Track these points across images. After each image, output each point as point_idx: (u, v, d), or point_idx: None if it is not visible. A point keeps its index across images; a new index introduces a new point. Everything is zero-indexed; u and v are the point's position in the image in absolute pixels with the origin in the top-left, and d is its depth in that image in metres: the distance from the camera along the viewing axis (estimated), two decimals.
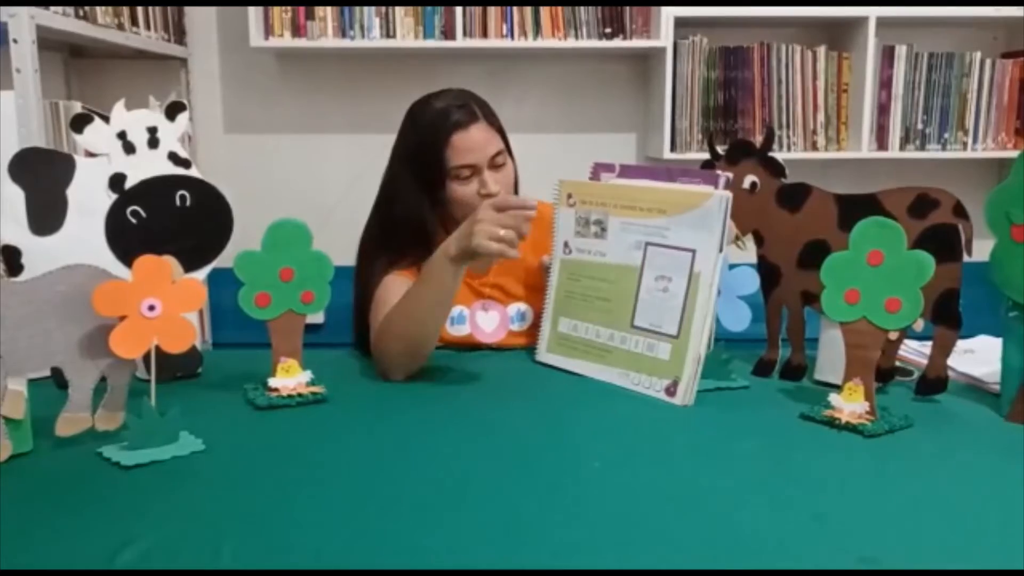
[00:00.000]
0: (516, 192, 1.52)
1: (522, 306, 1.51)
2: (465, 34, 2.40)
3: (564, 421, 1.11)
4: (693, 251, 1.16)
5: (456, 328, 1.48)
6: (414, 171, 1.45)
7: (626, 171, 1.31)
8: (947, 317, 1.16)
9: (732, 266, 1.26)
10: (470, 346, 1.48)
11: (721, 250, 1.13)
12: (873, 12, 2.41)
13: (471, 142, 1.41)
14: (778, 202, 1.26)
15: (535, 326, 1.51)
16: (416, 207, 1.45)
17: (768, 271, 1.28)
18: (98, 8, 2.02)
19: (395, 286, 1.41)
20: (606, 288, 1.26)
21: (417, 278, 1.32)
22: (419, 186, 1.44)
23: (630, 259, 1.23)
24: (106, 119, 1.17)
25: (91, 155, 1.17)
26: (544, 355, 1.36)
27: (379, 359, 1.32)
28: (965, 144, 2.57)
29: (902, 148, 2.55)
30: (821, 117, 2.54)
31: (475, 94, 1.49)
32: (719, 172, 1.20)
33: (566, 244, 1.33)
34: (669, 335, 1.15)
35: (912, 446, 1.01)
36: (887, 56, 2.52)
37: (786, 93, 2.53)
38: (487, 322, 1.51)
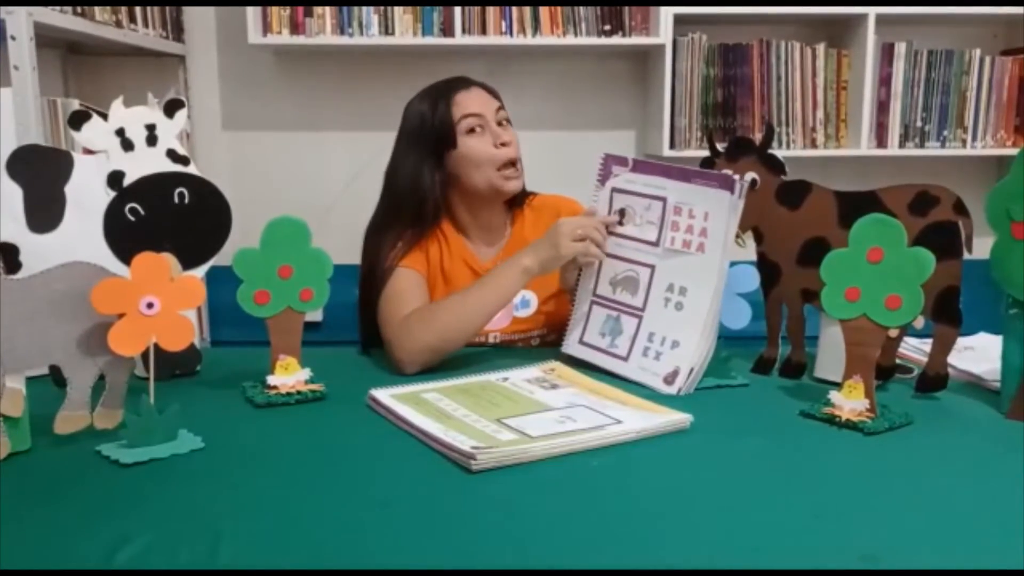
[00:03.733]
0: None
1: (526, 293, 1.52)
2: (464, 31, 2.40)
3: None
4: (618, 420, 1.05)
5: None
6: (419, 144, 1.46)
7: (640, 166, 1.31)
8: (947, 314, 1.15)
9: (732, 264, 1.26)
10: (477, 343, 1.48)
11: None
12: (872, 10, 2.41)
13: (473, 97, 1.45)
14: (778, 199, 1.26)
15: (540, 313, 1.52)
16: (418, 179, 1.46)
17: (768, 268, 1.28)
18: (96, 6, 2.02)
19: (408, 280, 1.43)
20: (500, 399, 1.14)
21: (480, 280, 1.38)
22: (423, 158, 1.46)
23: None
24: (104, 116, 1.17)
25: (89, 152, 1.17)
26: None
27: (401, 348, 1.32)
28: (964, 141, 2.57)
29: (901, 145, 2.55)
30: (820, 114, 2.54)
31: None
32: (735, 176, 1.19)
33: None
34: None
35: (912, 444, 1.01)
36: (886, 53, 2.52)
37: (785, 90, 2.53)
38: None
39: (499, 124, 1.46)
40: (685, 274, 1.24)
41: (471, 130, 1.43)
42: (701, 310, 1.21)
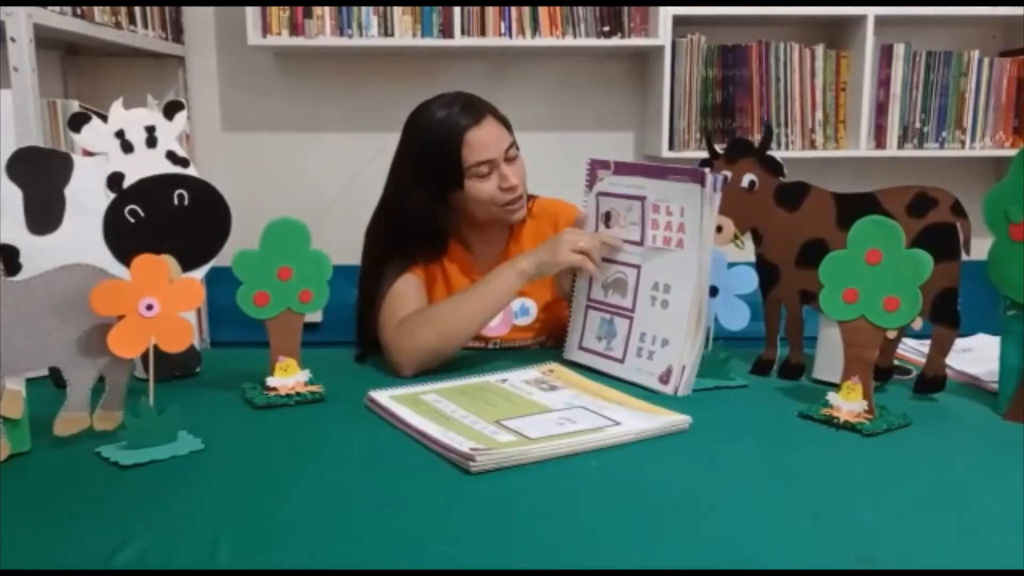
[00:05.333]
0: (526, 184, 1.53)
1: (526, 301, 1.52)
2: (463, 32, 2.40)
3: None
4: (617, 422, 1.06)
5: None
6: (426, 177, 1.42)
7: (620, 168, 1.32)
8: (945, 316, 1.16)
9: (730, 265, 1.26)
10: (476, 348, 1.48)
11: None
12: (871, 11, 2.41)
13: (486, 137, 1.40)
14: (777, 201, 1.27)
15: (539, 320, 1.52)
16: (430, 213, 1.44)
17: (767, 270, 1.28)
18: (96, 7, 2.02)
19: (408, 284, 1.43)
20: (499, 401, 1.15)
21: (477, 282, 1.37)
22: (432, 191, 1.42)
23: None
24: (104, 118, 1.17)
25: (89, 154, 1.17)
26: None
27: (399, 350, 1.33)
28: (963, 143, 2.57)
29: (900, 147, 2.55)
30: (819, 116, 2.54)
31: (474, 95, 1.49)
32: (707, 171, 1.19)
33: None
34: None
35: (910, 445, 1.01)
36: (885, 55, 2.52)
37: (784, 92, 2.53)
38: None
39: (508, 160, 1.43)
40: (667, 271, 1.24)
41: (480, 175, 1.40)
42: (684, 306, 1.21)
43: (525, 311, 1.51)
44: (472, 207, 1.44)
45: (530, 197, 1.60)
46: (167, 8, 2.45)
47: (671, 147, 2.50)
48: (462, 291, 1.40)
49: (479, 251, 1.54)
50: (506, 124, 1.46)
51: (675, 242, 1.23)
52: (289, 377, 1.17)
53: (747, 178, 1.28)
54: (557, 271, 1.35)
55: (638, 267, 1.28)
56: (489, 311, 1.35)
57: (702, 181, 1.18)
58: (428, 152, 1.42)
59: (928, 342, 1.19)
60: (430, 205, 1.43)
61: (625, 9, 2.44)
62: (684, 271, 1.21)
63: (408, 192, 1.44)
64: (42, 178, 1.13)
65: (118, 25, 2.14)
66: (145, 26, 2.31)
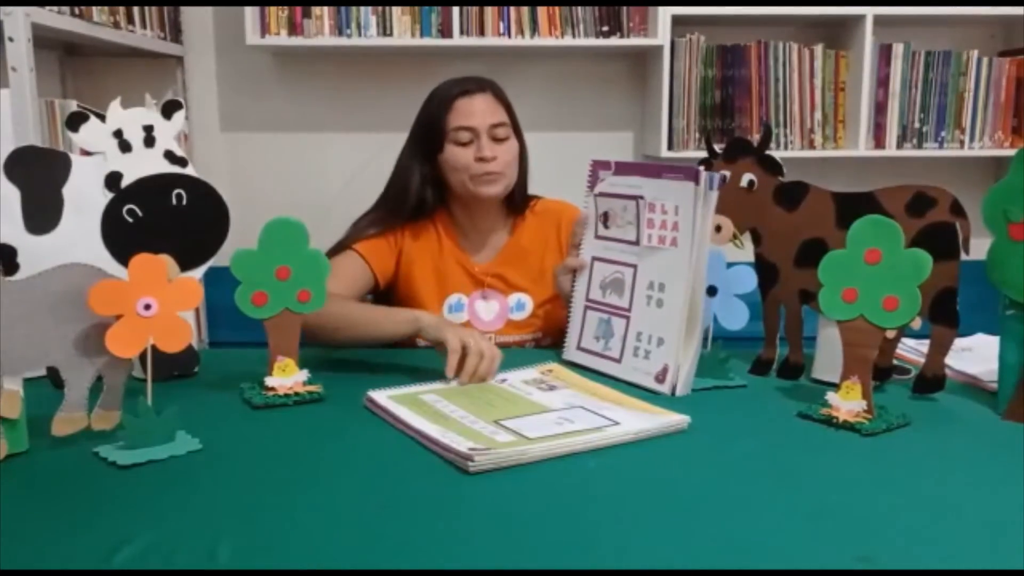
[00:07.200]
0: (525, 173, 1.56)
1: (522, 296, 1.52)
2: (462, 32, 2.40)
3: None
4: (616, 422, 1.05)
5: (454, 316, 1.49)
6: (416, 139, 1.50)
7: (620, 168, 1.32)
8: (945, 315, 1.16)
9: (730, 265, 1.26)
10: None
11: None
12: (870, 11, 2.41)
13: (473, 107, 1.45)
14: (776, 200, 1.26)
15: (535, 316, 1.52)
16: (406, 172, 1.50)
17: (766, 269, 1.28)
18: (94, 6, 2.02)
19: (346, 262, 1.47)
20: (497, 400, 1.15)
21: (384, 308, 1.39)
22: (416, 153, 1.49)
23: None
24: (102, 117, 1.17)
25: (87, 154, 1.17)
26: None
27: (311, 335, 1.34)
28: (962, 142, 2.57)
29: (899, 146, 2.55)
30: (818, 115, 2.54)
31: (492, 80, 1.53)
32: (701, 169, 1.20)
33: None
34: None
35: (909, 444, 1.01)
36: (884, 54, 2.52)
37: (783, 91, 2.53)
38: (486, 311, 1.52)
39: (494, 138, 1.46)
40: (662, 270, 1.24)
41: (459, 140, 1.45)
42: (678, 305, 1.21)
43: (521, 306, 1.51)
44: (448, 174, 1.47)
45: (533, 197, 1.60)
46: (165, 8, 2.45)
47: (670, 147, 2.50)
48: (372, 307, 1.43)
49: (476, 242, 1.54)
50: (507, 108, 1.50)
51: (669, 241, 1.23)
52: (288, 377, 1.17)
53: (746, 178, 1.28)
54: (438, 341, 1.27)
55: (634, 267, 1.28)
56: (377, 333, 1.35)
57: (696, 179, 1.18)
58: (422, 115, 1.50)
59: (927, 342, 1.19)
60: (413, 167, 1.49)
61: (624, 9, 2.44)
62: (678, 270, 1.21)
63: (403, 153, 1.52)
64: (40, 178, 1.13)
65: (116, 25, 2.14)
66: (143, 26, 2.31)
